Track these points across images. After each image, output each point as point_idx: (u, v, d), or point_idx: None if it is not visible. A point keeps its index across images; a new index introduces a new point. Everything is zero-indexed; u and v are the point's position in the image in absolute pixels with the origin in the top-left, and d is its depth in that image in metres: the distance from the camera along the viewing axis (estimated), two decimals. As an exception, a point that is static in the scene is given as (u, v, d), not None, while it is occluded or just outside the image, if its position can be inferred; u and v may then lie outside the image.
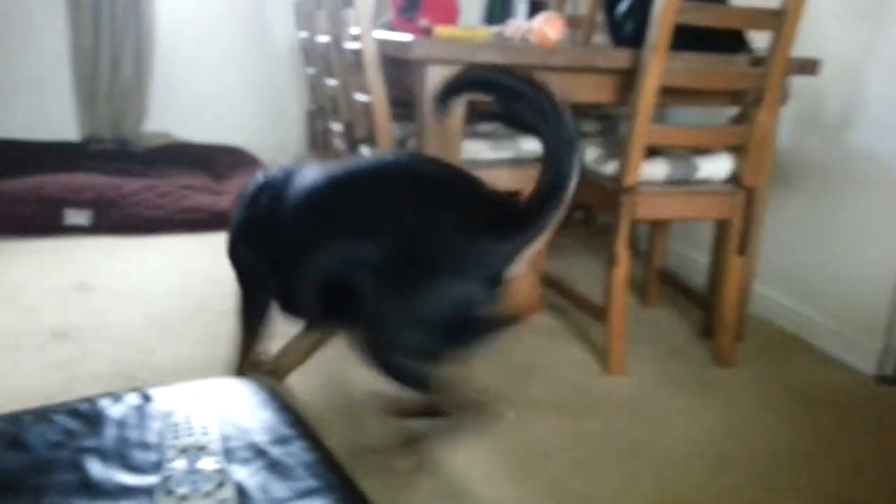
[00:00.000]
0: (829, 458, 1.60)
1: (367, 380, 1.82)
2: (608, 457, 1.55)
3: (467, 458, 1.51)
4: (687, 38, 1.74)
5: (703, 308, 2.21)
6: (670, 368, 1.98)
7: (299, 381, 1.80)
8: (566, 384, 1.86)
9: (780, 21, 1.74)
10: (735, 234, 1.93)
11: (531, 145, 2.05)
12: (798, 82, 2.18)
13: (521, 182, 2.04)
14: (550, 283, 2.22)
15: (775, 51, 1.77)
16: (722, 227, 2.00)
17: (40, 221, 2.74)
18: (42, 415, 0.85)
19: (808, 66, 1.94)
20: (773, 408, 1.81)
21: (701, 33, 1.75)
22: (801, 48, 1.91)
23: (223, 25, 3.49)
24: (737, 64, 1.88)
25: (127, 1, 3.15)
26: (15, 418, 0.84)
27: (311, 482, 0.77)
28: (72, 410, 0.87)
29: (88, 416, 0.86)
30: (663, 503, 1.42)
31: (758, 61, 1.86)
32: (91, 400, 0.89)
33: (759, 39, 1.92)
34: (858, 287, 2.07)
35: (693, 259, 2.72)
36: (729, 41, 1.97)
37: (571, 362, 1.98)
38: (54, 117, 3.32)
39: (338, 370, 1.87)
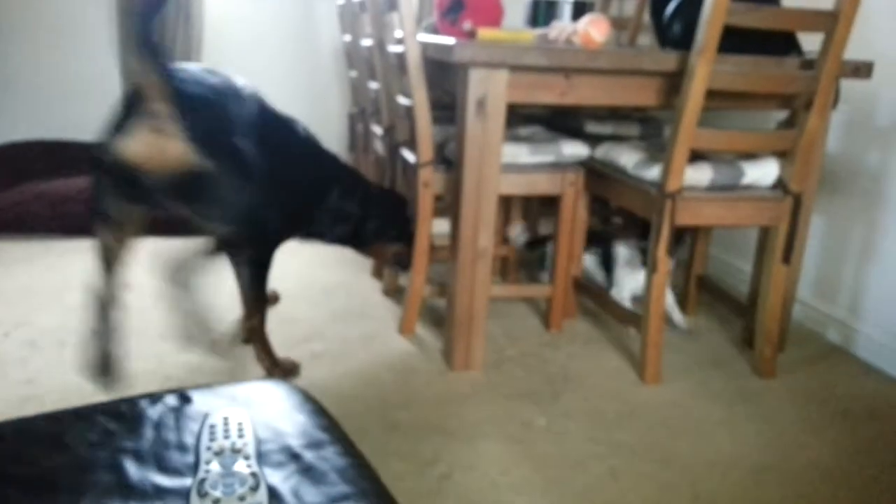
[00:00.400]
0: (871, 472, 1.56)
1: (398, 383, 1.83)
2: (642, 467, 1.53)
3: (498, 466, 1.50)
4: (736, 40, 1.70)
5: (744, 317, 2.15)
6: (708, 378, 1.94)
7: (332, 385, 1.81)
8: (600, 392, 1.83)
9: (833, 22, 1.69)
10: (780, 242, 1.88)
11: (572, 149, 2.03)
12: (849, 85, 2.12)
13: (561, 186, 2.02)
14: (586, 289, 2.19)
15: (827, 53, 1.72)
16: (766, 234, 1.95)
17: (88, 221, 2.80)
18: (82, 414, 0.87)
19: (862, 70, 1.88)
20: (813, 420, 1.76)
21: (751, 35, 1.70)
22: (853, 50, 1.85)
23: (269, 29, 3.54)
24: (787, 67, 1.82)
25: (176, 5, 3.22)
26: (56, 417, 0.86)
27: (343, 487, 0.76)
28: (112, 411, 0.88)
29: (127, 416, 0.87)
30: (701, 518, 1.39)
31: (808, 64, 1.81)
32: (131, 400, 0.91)
33: (811, 41, 1.86)
34: (910, 299, 2.00)
35: (734, 266, 2.67)
36: (780, 43, 1.92)
37: (606, 370, 1.96)
38: (103, 119, 3.40)
39: (370, 374, 1.88)
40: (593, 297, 2.17)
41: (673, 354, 2.06)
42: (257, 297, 1.79)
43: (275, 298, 2.21)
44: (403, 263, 2.05)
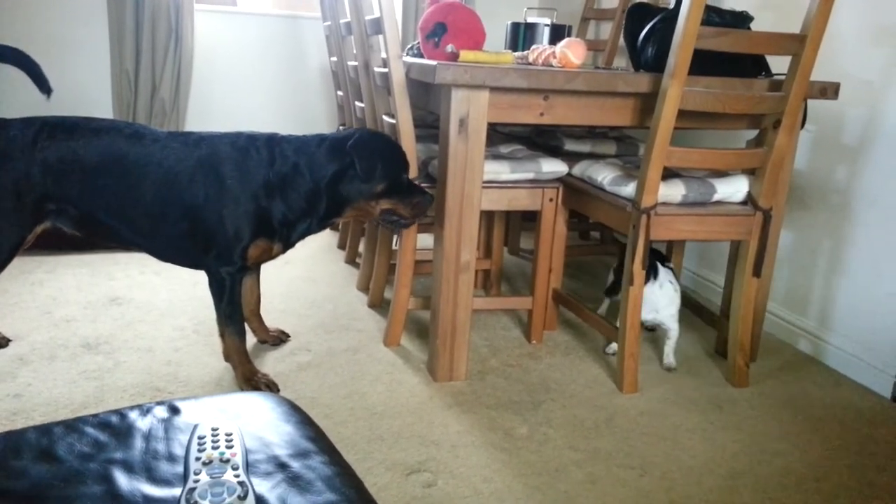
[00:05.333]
0: (842, 478, 1.61)
1: (383, 394, 1.86)
2: (620, 474, 1.57)
3: (481, 474, 1.54)
4: (707, 62, 1.76)
5: (717, 328, 2.21)
6: (683, 387, 1.99)
7: (319, 396, 1.84)
8: (579, 401, 1.88)
9: (800, 45, 1.75)
10: (751, 256, 1.94)
11: (551, 166, 2.08)
12: (817, 105, 2.19)
13: (540, 202, 2.08)
14: (566, 301, 2.24)
15: (795, 75, 1.78)
16: (738, 248, 2.01)
17: (78, 237, 2.82)
18: (72, 426, 0.87)
19: (828, 90, 1.95)
20: (786, 428, 1.81)
21: (721, 57, 1.77)
22: (820, 71, 1.92)
23: (258, 51, 3.58)
24: (756, 88, 1.89)
25: (168, 26, 3.25)
26: (46, 430, 0.87)
27: (329, 495, 0.78)
28: (101, 422, 0.89)
29: (117, 427, 0.88)
30: (674, 523, 1.44)
31: (777, 85, 1.88)
32: (120, 412, 0.92)
33: (780, 62, 1.93)
34: (875, 308, 2.06)
35: (707, 279, 2.73)
36: (749, 65, 1.99)
37: (585, 380, 2.00)
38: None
39: (356, 385, 1.91)
40: (573, 310, 2.22)
41: (649, 364, 2.11)
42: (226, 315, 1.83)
43: (283, 336, 2.17)
44: (400, 222, 1.86)
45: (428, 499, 1.45)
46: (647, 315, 2.02)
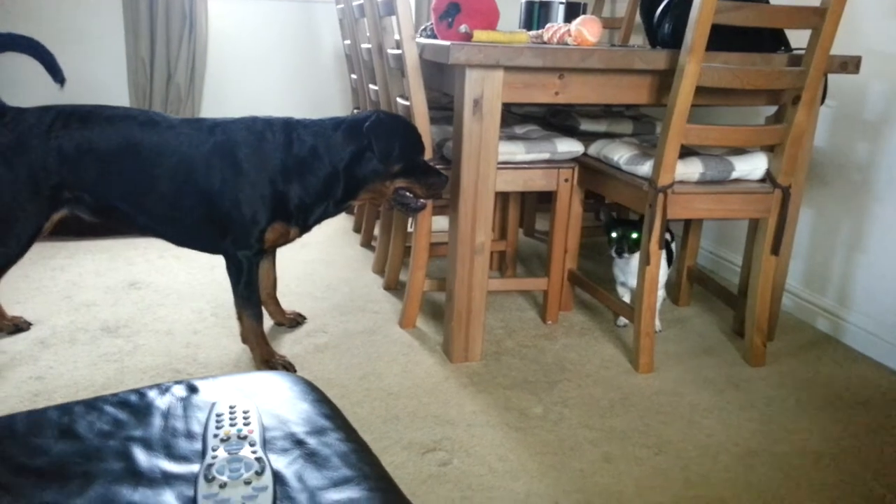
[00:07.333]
0: (861, 456, 1.60)
1: (399, 375, 1.88)
2: (636, 453, 1.57)
3: (496, 453, 1.55)
4: (725, 38, 1.74)
5: (734, 307, 2.19)
6: (700, 367, 1.98)
7: (335, 377, 1.86)
8: (595, 381, 1.88)
9: (820, 19, 1.72)
10: (769, 234, 1.92)
11: (567, 146, 2.07)
12: (838, 80, 2.15)
13: (556, 182, 2.07)
14: (581, 282, 2.24)
15: (815, 49, 1.75)
16: (756, 226, 1.99)
17: (97, 223, 2.85)
18: (92, 405, 0.89)
19: (849, 65, 1.91)
20: (803, 406, 1.80)
21: (739, 32, 1.74)
22: (841, 45, 1.88)
23: (271, 35, 3.58)
24: (775, 63, 1.86)
25: (182, 13, 3.25)
26: (67, 408, 0.88)
27: (345, 471, 0.79)
28: (121, 401, 0.90)
29: (136, 406, 0.90)
30: (691, 499, 1.43)
31: (796, 60, 1.84)
32: (139, 391, 0.93)
33: (800, 36, 1.90)
34: (895, 287, 2.04)
35: (725, 258, 2.71)
36: (768, 40, 1.96)
37: (600, 360, 2.00)
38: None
39: (372, 366, 1.92)
40: (588, 290, 2.21)
41: (665, 344, 2.10)
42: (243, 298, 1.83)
43: (299, 318, 2.18)
44: (415, 204, 1.87)
45: (443, 477, 1.46)
46: (631, 281, 2.11)
